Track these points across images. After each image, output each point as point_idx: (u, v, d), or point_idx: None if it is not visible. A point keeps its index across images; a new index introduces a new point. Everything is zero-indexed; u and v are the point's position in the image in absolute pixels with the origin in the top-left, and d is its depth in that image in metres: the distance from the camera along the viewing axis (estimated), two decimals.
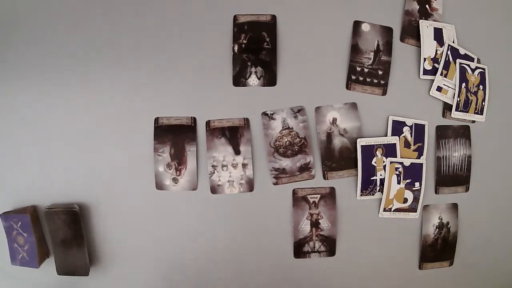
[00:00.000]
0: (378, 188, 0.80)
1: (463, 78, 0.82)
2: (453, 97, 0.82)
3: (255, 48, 0.78)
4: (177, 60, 0.77)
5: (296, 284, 0.83)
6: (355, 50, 0.79)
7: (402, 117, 0.81)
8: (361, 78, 0.80)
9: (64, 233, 0.74)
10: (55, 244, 0.75)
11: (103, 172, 0.77)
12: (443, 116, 0.83)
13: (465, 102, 0.83)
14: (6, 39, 0.75)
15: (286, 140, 0.79)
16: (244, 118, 0.78)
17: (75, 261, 0.75)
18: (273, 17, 0.78)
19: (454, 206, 0.85)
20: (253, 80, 0.78)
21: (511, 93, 0.86)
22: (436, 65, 0.82)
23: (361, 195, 0.81)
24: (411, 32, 0.82)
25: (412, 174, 0.81)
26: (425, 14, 0.82)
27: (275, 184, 0.79)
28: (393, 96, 0.81)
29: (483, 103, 0.84)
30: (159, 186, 0.78)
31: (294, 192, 0.80)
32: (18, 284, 0.80)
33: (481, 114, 0.84)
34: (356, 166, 0.80)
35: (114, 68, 0.77)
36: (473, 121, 0.84)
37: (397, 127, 0.80)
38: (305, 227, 0.80)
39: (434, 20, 0.82)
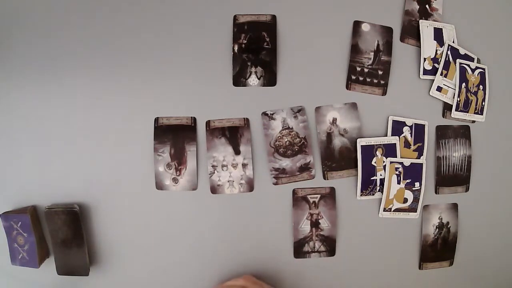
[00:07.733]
0: (378, 188, 0.80)
1: (463, 78, 0.82)
2: (453, 97, 0.82)
3: (255, 48, 0.78)
4: (177, 60, 0.77)
5: (296, 284, 0.83)
6: (355, 50, 0.79)
7: (402, 117, 0.81)
8: (361, 78, 0.80)
9: (64, 233, 0.74)
10: (55, 244, 0.75)
11: (103, 172, 0.77)
12: (443, 116, 0.83)
13: (465, 102, 0.83)
14: (6, 38, 0.75)
15: (286, 140, 0.79)
16: (244, 118, 0.78)
17: (75, 261, 0.75)
18: (273, 17, 0.78)
19: (454, 206, 0.85)
20: (253, 80, 0.78)
21: (511, 93, 0.86)
22: (436, 65, 0.82)
23: (361, 195, 0.81)
24: (411, 32, 0.82)
25: (412, 174, 0.81)
26: (425, 14, 0.82)
27: (275, 184, 0.79)
28: (393, 96, 0.81)
29: (483, 103, 0.84)
30: (159, 186, 0.78)
31: (294, 192, 0.80)
32: (18, 284, 0.80)
33: (481, 114, 0.84)
34: (356, 166, 0.80)
35: (114, 68, 0.77)
36: (473, 121, 0.84)
37: (397, 127, 0.80)
38: (305, 227, 0.80)
39: (434, 20, 0.82)
